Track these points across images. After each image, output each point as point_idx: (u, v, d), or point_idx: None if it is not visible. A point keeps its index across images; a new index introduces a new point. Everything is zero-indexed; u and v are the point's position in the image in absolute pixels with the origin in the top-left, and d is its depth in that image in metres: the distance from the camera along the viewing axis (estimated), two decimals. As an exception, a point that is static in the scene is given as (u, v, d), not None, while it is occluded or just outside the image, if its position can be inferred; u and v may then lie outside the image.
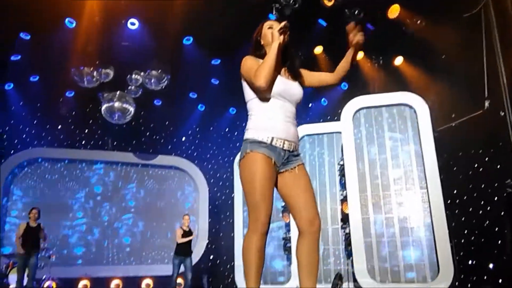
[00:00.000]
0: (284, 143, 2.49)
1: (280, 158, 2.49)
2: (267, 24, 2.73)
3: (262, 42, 2.71)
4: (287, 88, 2.58)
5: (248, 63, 2.59)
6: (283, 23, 2.57)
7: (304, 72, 2.78)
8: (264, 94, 2.54)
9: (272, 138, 2.48)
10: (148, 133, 12.09)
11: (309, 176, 2.60)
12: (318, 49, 10.35)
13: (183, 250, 8.10)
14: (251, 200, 2.42)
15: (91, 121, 11.45)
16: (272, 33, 2.58)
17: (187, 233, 8.27)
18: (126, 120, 10.42)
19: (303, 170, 2.58)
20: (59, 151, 11.10)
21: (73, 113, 11.43)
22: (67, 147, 11.19)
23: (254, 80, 2.46)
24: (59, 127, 11.37)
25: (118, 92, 10.19)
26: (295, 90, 2.63)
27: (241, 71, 2.62)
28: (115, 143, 11.66)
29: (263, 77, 2.43)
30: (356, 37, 2.72)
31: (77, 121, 11.44)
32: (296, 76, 2.70)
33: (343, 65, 2.79)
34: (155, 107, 12.06)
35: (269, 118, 2.52)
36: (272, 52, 2.49)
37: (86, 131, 11.58)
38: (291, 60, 2.72)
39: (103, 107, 10.18)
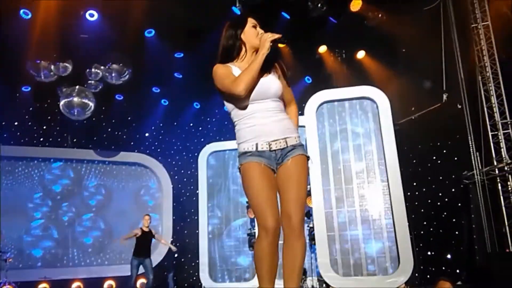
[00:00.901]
0: (270, 145, 2.41)
1: (272, 160, 2.43)
2: (251, 22, 2.58)
3: (242, 38, 2.55)
4: (262, 87, 2.45)
5: (219, 72, 2.47)
6: (277, 36, 2.44)
7: (281, 73, 2.64)
8: (241, 103, 2.46)
9: (256, 145, 2.42)
10: (109, 129, 11.77)
11: (303, 169, 2.45)
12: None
13: (142, 251, 7.95)
14: (254, 207, 2.38)
15: (49, 117, 11.06)
16: (260, 39, 2.45)
17: (147, 234, 8.11)
18: (86, 116, 10.14)
19: (298, 162, 2.43)
20: (16, 149, 10.65)
21: (30, 109, 11.01)
22: (25, 145, 10.78)
23: (233, 87, 2.34)
24: (16, 123, 10.94)
25: (77, 87, 9.89)
26: (270, 84, 2.49)
27: (215, 83, 2.49)
28: (75, 140, 11.33)
29: (244, 85, 2.33)
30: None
31: (34, 118, 11.03)
32: (268, 68, 2.54)
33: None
34: (117, 102, 11.75)
35: (249, 125, 2.45)
36: (258, 61, 2.36)
37: (44, 127, 11.19)
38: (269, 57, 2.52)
39: (62, 103, 9.86)
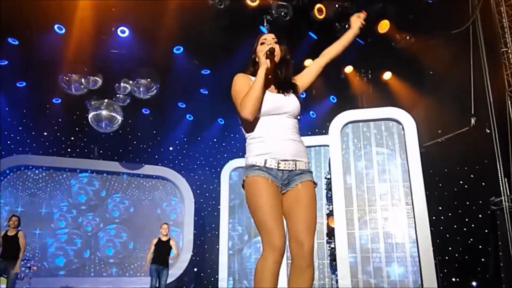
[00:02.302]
0: (279, 164, 2.35)
1: (279, 180, 2.35)
2: (261, 38, 2.58)
3: (256, 58, 2.56)
4: (279, 104, 2.43)
5: (237, 85, 2.47)
6: (267, 47, 2.43)
7: (298, 77, 2.65)
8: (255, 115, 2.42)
9: (265, 161, 2.35)
10: (135, 142, 11.98)
11: (313, 196, 2.39)
12: (308, 62, 10.38)
13: (159, 259, 7.93)
14: (261, 224, 2.27)
15: (77, 129, 11.33)
16: (258, 57, 2.47)
17: (165, 242, 8.09)
18: (113, 129, 10.33)
19: (308, 188, 2.38)
20: (44, 158, 10.94)
21: (60, 120, 11.29)
22: (52, 155, 11.03)
23: (240, 111, 2.36)
24: (45, 134, 11.23)
25: (106, 100, 10.11)
26: (289, 103, 2.46)
27: (231, 92, 2.49)
28: (101, 151, 11.54)
29: (248, 109, 2.33)
30: (358, 19, 2.74)
31: (63, 129, 11.31)
32: (288, 88, 2.53)
33: (338, 47, 2.74)
34: (143, 116, 11.97)
35: (261, 140, 2.39)
36: (257, 81, 2.35)
37: (72, 139, 11.45)
38: (285, 74, 2.56)
39: (90, 115, 10.09)
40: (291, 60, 2.63)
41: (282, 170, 2.36)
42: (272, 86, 2.54)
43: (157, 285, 7.83)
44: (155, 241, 8.08)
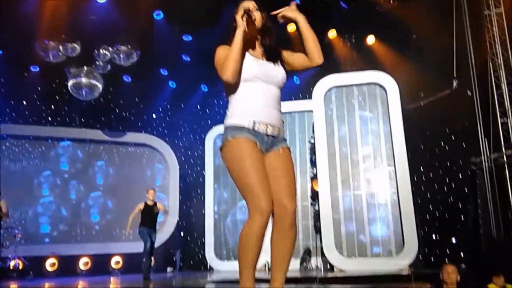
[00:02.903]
0: (267, 128, 2.35)
1: (263, 144, 2.35)
2: (242, 6, 2.50)
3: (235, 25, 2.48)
4: (266, 70, 2.42)
5: (219, 54, 2.45)
6: (245, 7, 2.41)
7: (287, 54, 2.59)
8: (242, 78, 2.40)
9: (254, 123, 2.33)
10: (117, 110, 11.83)
11: (292, 161, 2.44)
12: (291, 27, 10.30)
13: (147, 223, 7.97)
14: (247, 187, 2.23)
15: (57, 97, 11.10)
16: (236, 20, 2.41)
17: (152, 207, 8.12)
18: (94, 97, 10.19)
19: (288, 153, 2.43)
20: (25, 127, 10.75)
21: (39, 89, 11.06)
22: (33, 124, 10.85)
23: (221, 74, 2.33)
24: (25, 103, 11.00)
25: (85, 68, 9.92)
26: (276, 72, 2.46)
27: (215, 64, 2.46)
28: (83, 120, 11.39)
29: (229, 71, 2.30)
30: (289, 9, 2.50)
31: (43, 97, 11.07)
32: (275, 57, 2.52)
33: (305, 43, 2.52)
34: (124, 84, 11.80)
35: (250, 102, 2.37)
36: (234, 43, 2.33)
37: (53, 107, 11.24)
38: (270, 41, 2.54)
39: (70, 83, 9.91)
40: (273, 29, 2.57)
41: (268, 135, 2.37)
42: (259, 54, 2.52)
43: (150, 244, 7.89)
44: (141, 205, 8.10)
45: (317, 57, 2.50)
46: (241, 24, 2.38)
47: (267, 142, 2.36)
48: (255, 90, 2.39)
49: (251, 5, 2.50)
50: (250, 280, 2.21)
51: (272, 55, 2.51)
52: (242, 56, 2.40)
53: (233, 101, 2.44)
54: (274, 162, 2.38)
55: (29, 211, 10.53)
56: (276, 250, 2.31)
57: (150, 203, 8.15)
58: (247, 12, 2.41)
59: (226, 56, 2.36)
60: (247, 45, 2.49)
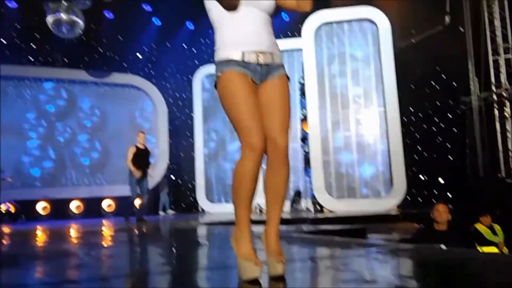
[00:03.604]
0: (258, 57, 2.16)
1: (257, 75, 2.19)
2: None
3: None
4: None
5: None
6: None
7: None
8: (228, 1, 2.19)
9: (243, 53, 2.15)
10: (100, 50, 11.40)
11: (288, 91, 2.27)
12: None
13: (140, 167, 7.78)
14: (238, 123, 2.13)
15: (38, 36, 10.64)
16: None
17: (143, 151, 7.92)
18: (76, 35, 9.80)
19: (284, 83, 2.25)
20: (5, 68, 10.31)
21: (18, 27, 10.55)
22: (14, 64, 10.44)
23: None
24: (3, 41, 10.53)
25: (64, 2, 9.43)
26: None
27: None
28: (66, 60, 10.99)
29: None
30: None
31: (22, 35, 10.59)
32: None
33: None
34: (107, 21, 11.28)
35: (237, 30, 2.18)
36: None
37: (34, 47, 10.79)
38: None
39: (50, 19, 9.47)
40: None
41: (261, 64, 2.19)
42: None
43: (138, 192, 7.82)
44: (133, 149, 7.85)
45: (307, 5, 2.35)
46: None
47: (260, 72, 2.19)
48: (241, 17, 2.19)
49: None
50: (246, 219, 2.15)
51: None
52: None
53: (219, 31, 2.24)
54: (269, 92, 2.22)
55: (17, 155, 10.40)
56: (269, 188, 2.24)
57: (140, 146, 7.92)
58: None
59: None
60: None
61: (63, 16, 9.42)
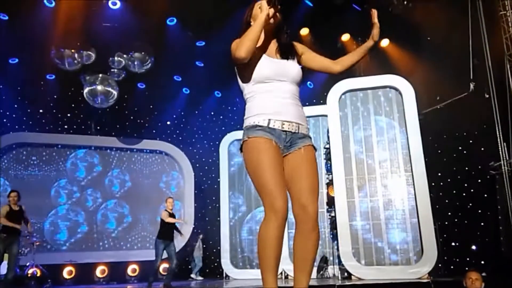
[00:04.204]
0: (283, 124, 2.29)
1: (281, 141, 2.28)
2: (257, 4, 2.49)
3: (252, 23, 2.46)
4: (279, 68, 2.38)
5: (235, 41, 2.39)
6: None
7: (303, 49, 2.58)
8: (258, 79, 2.37)
9: (269, 121, 2.28)
10: (132, 117, 11.89)
11: (315, 160, 2.35)
12: (304, 31, 10.25)
13: (167, 234, 7.89)
14: (262, 187, 2.18)
15: (73, 105, 11.22)
16: (260, 7, 2.38)
17: (171, 216, 8.08)
18: (109, 104, 10.25)
19: (310, 153, 2.34)
20: (41, 136, 10.87)
21: (55, 97, 11.17)
22: (49, 132, 10.97)
23: (235, 52, 2.27)
24: (41, 111, 11.13)
25: (100, 75, 9.98)
26: (291, 69, 2.41)
27: (231, 50, 2.40)
28: (98, 127, 11.48)
29: (244, 47, 2.23)
30: (375, 29, 2.52)
31: (59, 105, 11.20)
32: (289, 54, 2.48)
33: (354, 58, 2.57)
34: (139, 91, 11.87)
35: (264, 101, 2.33)
36: (257, 22, 2.28)
37: (69, 115, 11.36)
38: (282, 38, 2.51)
39: (86, 90, 9.98)
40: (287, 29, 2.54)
41: (286, 131, 2.30)
42: (273, 52, 2.48)
43: (163, 257, 7.84)
44: (166, 214, 7.99)
45: (343, 69, 2.57)
46: (266, 8, 2.32)
47: (285, 139, 2.30)
48: (270, 90, 2.35)
49: (259, 4, 2.46)
50: (272, 284, 2.14)
51: (287, 52, 2.48)
52: (259, 56, 2.37)
53: (248, 103, 2.40)
54: (294, 162, 2.31)
55: (47, 219, 10.61)
56: (299, 253, 2.25)
57: (169, 211, 8.09)
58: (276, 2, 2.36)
59: (242, 37, 2.31)
60: (263, 44, 2.46)
61: (99, 87, 9.90)
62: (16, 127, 10.71)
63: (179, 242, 10.65)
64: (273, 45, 2.50)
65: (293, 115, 2.34)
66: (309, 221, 2.23)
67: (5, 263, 7.34)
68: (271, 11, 2.35)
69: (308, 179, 2.28)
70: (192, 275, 10.92)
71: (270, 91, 2.35)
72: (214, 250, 11.25)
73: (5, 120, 10.62)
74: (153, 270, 7.93)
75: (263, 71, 2.35)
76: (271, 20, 2.39)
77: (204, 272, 11.23)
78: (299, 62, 2.53)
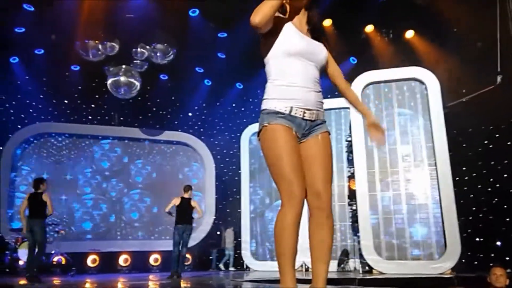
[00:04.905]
0: (304, 113, 2.25)
1: (300, 129, 2.27)
2: None
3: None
4: (310, 47, 2.31)
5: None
6: None
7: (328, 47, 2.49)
8: (286, 54, 2.29)
9: (291, 108, 2.24)
10: (154, 109, 12.01)
11: (330, 147, 2.35)
12: (327, 22, 10.14)
13: (183, 218, 7.80)
14: (280, 174, 2.17)
15: (97, 96, 11.37)
16: None
17: (187, 200, 7.97)
18: (132, 95, 10.35)
19: (326, 140, 2.33)
20: (66, 126, 11.09)
21: (79, 88, 11.35)
22: (74, 122, 11.16)
23: (251, 18, 2.14)
24: (66, 101, 11.33)
25: (124, 66, 10.08)
26: (319, 50, 2.35)
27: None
28: (122, 118, 11.62)
29: (260, 13, 2.12)
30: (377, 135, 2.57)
31: (83, 96, 11.38)
32: (320, 35, 2.42)
33: (352, 101, 2.61)
34: (161, 82, 11.96)
35: (288, 84, 2.27)
36: None
37: (93, 106, 11.53)
38: (314, 17, 2.43)
39: (109, 82, 10.09)
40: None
41: (306, 120, 2.28)
42: (304, 30, 2.41)
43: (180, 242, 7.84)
44: (177, 200, 7.95)
45: (340, 90, 2.57)
46: None
47: (304, 127, 2.28)
48: (295, 69, 2.29)
49: None
50: (290, 273, 2.11)
51: (319, 32, 2.43)
52: (289, 29, 2.31)
53: (271, 80, 2.34)
54: (311, 149, 2.29)
55: (71, 208, 10.83)
56: (315, 243, 2.24)
57: (186, 196, 8.03)
58: None
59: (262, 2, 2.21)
60: (294, 19, 2.40)
61: (122, 78, 9.99)
62: (42, 117, 10.93)
63: (200, 233, 10.78)
64: (304, 23, 2.43)
65: (314, 102, 2.30)
66: (323, 208, 2.23)
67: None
68: None
69: (323, 167, 2.28)
70: (220, 265, 11.12)
71: (295, 71, 2.29)
72: (235, 242, 11.31)
73: (31, 110, 10.84)
74: (172, 259, 7.88)
75: (295, 46, 2.29)
76: None
77: (225, 264, 11.33)
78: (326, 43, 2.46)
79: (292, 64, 2.29)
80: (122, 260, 10.62)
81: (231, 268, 11.00)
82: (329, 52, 2.48)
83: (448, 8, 8.83)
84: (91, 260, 10.28)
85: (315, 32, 2.42)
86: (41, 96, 10.99)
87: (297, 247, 2.12)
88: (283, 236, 2.11)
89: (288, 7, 2.37)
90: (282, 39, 2.29)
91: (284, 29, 2.31)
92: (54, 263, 9.04)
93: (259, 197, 11.06)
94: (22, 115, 10.75)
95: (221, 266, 11.12)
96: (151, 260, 10.89)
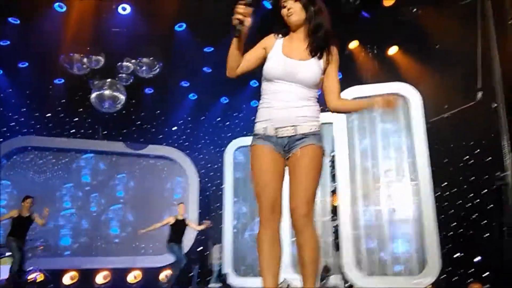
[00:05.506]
0: (277, 131, 2.34)
1: (279, 147, 2.35)
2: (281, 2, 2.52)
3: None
4: (288, 69, 2.36)
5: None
6: (240, 7, 2.31)
7: (332, 60, 2.51)
8: (268, 78, 2.45)
9: (266, 128, 2.37)
10: (139, 122, 11.95)
11: (314, 159, 2.34)
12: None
13: (177, 238, 7.89)
14: (255, 193, 2.36)
15: (81, 110, 11.29)
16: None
17: (182, 221, 8.08)
18: (116, 109, 10.29)
19: (306, 152, 2.33)
20: (48, 139, 10.97)
21: (63, 101, 11.27)
22: (57, 136, 11.04)
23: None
24: (49, 115, 11.22)
25: (108, 80, 10.04)
26: (301, 69, 2.37)
27: None
28: (105, 132, 11.54)
29: (227, 68, 2.44)
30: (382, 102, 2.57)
31: (66, 109, 11.29)
32: (313, 53, 2.44)
33: (347, 108, 2.69)
34: (146, 96, 11.93)
35: (266, 106, 2.40)
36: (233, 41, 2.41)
37: (76, 119, 11.44)
38: (315, 39, 2.46)
39: (93, 95, 10.04)
40: (323, 24, 2.48)
41: (281, 137, 2.34)
42: (297, 52, 2.43)
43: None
44: (172, 219, 8.00)
45: (335, 109, 2.59)
46: (235, 23, 2.37)
47: (283, 144, 2.34)
48: (272, 93, 2.39)
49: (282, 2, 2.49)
50: (271, 283, 2.25)
51: (311, 51, 2.44)
52: (276, 55, 2.43)
53: (259, 104, 2.50)
54: (293, 165, 2.36)
55: (51, 223, 10.60)
56: (299, 257, 2.34)
57: (180, 217, 8.10)
58: (242, 13, 2.34)
59: (255, 50, 2.49)
60: (290, 44, 2.46)
61: (107, 92, 9.95)
62: (24, 130, 10.81)
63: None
64: (302, 39, 2.49)
65: (293, 118, 2.34)
66: (298, 220, 2.30)
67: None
68: (240, 27, 2.33)
69: (300, 182, 2.32)
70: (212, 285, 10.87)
71: (274, 94, 2.38)
72: (220, 259, 11.14)
73: (13, 124, 10.72)
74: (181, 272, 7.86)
75: (269, 71, 2.41)
76: (245, 22, 2.32)
77: (206, 280, 11.13)
78: (325, 59, 2.50)
79: (273, 86, 2.40)
80: (102, 276, 10.39)
81: (212, 285, 10.80)
82: (331, 67, 2.52)
83: (430, 25, 8.96)
84: (70, 277, 10.05)
85: (310, 51, 2.44)
86: (24, 109, 10.89)
87: (279, 262, 2.28)
88: (261, 253, 2.30)
89: (243, 28, 2.37)
90: (265, 64, 2.45)
91: (271, 52, 2.43)
92: (29, 280, 8.80)
93: (242, 212, 10.96)
94: (4, 128, 10.63)
95: (214, 284, 10.82)
96: (131, 276, 10.66)
